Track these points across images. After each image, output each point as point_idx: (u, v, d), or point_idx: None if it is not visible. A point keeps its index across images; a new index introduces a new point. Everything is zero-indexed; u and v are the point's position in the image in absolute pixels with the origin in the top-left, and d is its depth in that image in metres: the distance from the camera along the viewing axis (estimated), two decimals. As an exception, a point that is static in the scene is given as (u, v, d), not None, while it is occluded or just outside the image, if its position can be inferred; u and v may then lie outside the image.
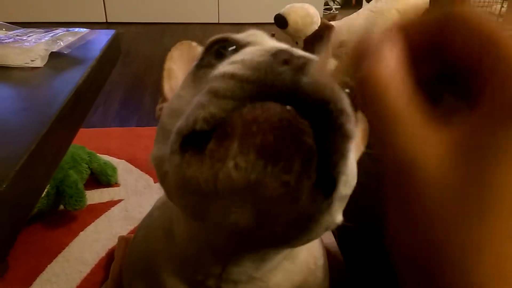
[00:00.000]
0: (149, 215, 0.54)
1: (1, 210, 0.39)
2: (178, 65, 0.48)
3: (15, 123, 0.52)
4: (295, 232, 0.28)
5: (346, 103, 0.25)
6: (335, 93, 0.25)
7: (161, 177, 0.33)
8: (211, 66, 0.31)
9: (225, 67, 0.27)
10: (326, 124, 0.24)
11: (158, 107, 0.46)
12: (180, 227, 0.42)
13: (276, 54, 0.26)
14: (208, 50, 0.34)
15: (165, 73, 0.48)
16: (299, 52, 0.27)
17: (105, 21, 2.67)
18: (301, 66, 0.25)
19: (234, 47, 0.33)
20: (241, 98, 0.25)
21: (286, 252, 0.43)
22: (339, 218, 0.30)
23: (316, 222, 0.27)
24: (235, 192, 0.25)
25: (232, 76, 0.25)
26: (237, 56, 0.28)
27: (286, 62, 0.25)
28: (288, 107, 0.24)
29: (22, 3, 2.51)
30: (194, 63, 0.37)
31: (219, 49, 0.33)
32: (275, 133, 0.23)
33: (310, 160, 0.24)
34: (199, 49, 0.47)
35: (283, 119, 0.24)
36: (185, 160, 0.26)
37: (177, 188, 0.29)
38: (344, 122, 0.25)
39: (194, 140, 0.26)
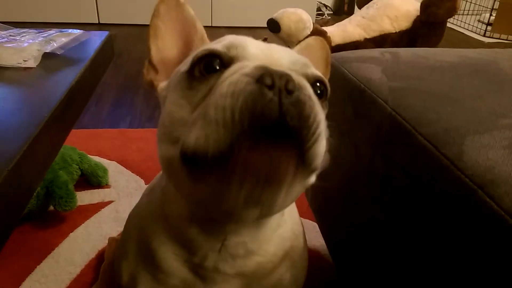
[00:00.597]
0: (138, 205, 0.55)
1: (-7, 210, 0.39)
2: (165, 24, 0.46)
3: (7, 123, 0.52)
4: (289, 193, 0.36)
5: (319, 115, 0.32)
6: (310, 110, 0.31)
7: (171, 174, 0.40)
8: (204, 77, 0.36)
9: (218, 107, 0.31)
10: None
11: (145, 70, 0.46)
12: (178, 211, 0.44)
13: (260, 79, 0.30)
14: (196, 63, 0.37)
15: (152, 31, 0.46)
16: (279, 71, 0.31)
17: (97, 22, 2.66)
18: (284, 87, 0.30)
19: (218, 60, 0.37)
20: (237, 130, 0.29)
21: (279, 218, 0.48)
22: (313, 180, 0.38)
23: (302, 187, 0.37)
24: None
25: (225, 123, 0.30)
26: (225, 86, 0.32)
27: (270, 87, 0.30)
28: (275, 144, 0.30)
29: (14, 2, 2.49)
30: (184, 68, 0.39)
31: (207, 62, 0.37)
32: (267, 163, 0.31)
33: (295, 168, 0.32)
34: (187, 9, 0.47)
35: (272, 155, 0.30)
36: (195, 176, 0.34)
37: (190, 184, 0.36)
38: (312, 145, 0.31)
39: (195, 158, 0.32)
